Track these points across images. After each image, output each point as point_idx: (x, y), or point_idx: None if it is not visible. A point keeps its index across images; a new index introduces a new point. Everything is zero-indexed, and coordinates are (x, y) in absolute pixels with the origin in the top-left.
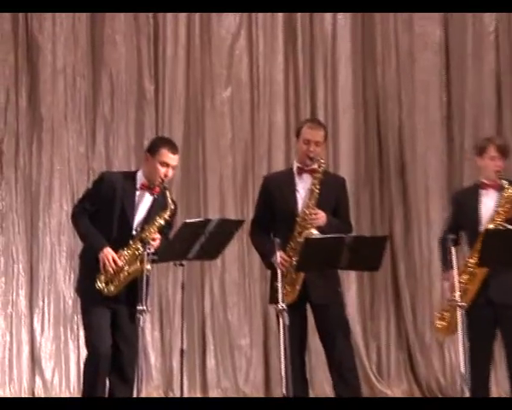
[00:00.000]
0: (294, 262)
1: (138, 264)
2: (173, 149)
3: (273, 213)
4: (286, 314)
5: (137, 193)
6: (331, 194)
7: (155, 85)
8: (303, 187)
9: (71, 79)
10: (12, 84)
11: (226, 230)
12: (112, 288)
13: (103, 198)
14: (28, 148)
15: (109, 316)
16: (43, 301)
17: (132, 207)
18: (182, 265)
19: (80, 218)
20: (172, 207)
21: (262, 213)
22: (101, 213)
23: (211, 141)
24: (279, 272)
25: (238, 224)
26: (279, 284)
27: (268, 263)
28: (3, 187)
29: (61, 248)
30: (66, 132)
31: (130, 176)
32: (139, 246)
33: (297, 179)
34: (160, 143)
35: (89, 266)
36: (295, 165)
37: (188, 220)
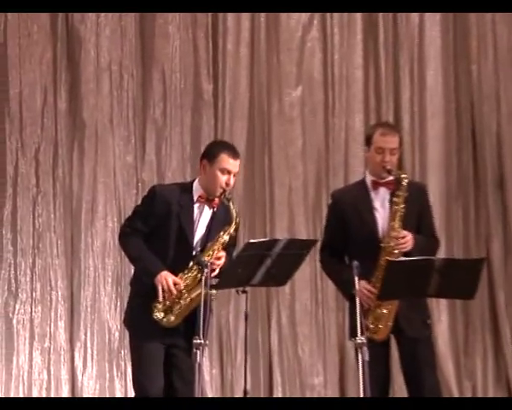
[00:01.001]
0: None
1: (202, 288)
2: (234, 153)
3: (347, 236)
4: (365, 349)
5: (195, 207)
6: (414, 207)
7: (214, 85)
8: (381, 204)
9: (117, 78)
10: (49, 84)
11: (296, 251)
12: (172, 317)
13: (157, 215)
14: (68, 157)
15: (163, 352)
16: (86, 334)
17: (191, 223)
18: (245, 292)
19: (130, 238)
20: (238, 219)
21: (334, 237)
22: (155, 232)
23: (278, 149)
24: (357, 301)
25: (310, 244)
26: (357, 316)
27: (348, 294)
28: (40, 202)
29: (105, 272)
30: (112, 139)
31: (186, 188)
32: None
33: (372, 195)
34: (219, 147)
35: (141, 295)
36: (369, 178)
37: (252, 240)
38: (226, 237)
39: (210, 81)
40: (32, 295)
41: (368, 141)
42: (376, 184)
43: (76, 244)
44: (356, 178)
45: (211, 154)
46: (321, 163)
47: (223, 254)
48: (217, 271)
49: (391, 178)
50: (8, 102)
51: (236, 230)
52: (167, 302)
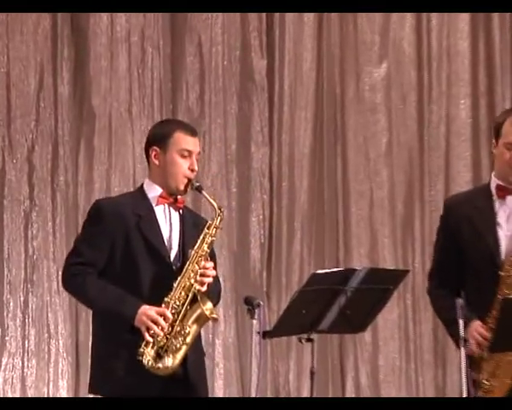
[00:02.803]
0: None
1: (198, 311)
2: (191, 129)
3: (461, 260)
4: None
5: (157, 211)
6: None
7: (269, 61)
8: (506, 218)
9: (138, 53)
10: (48, 62)
11: (379, 285)
12: (169, 360)
13: (110, 236)
14: (72, 159)
15: None
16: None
17: (158, 232)
18: (310, 340)
19: (83, 278)
20: (219, 210)
21: (444, 261)
22: (115, 262)
23: (355, 148)
24: (462, 352)
25: (398, 276)
26: (462, 371)
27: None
28: (34, 220)
29: None
30: (131, 135)
31: (136, 194)
32: (191, 282)
33: (497, 205)
34: (170, 126)
35: (114, 347)
36: (494, 182)
37: (319, 271)
38: (213, 233)
39: (263, 56)
40: (23, 344)
41: (496, 132)
42: (503, 192)
43: None
44: (460, 186)
45: (161, 136)
46: (413, 167)
47: (210, 264)
48: (205, 286)
49: None
50: None
51: (221, 221)
52: (159, 341)
